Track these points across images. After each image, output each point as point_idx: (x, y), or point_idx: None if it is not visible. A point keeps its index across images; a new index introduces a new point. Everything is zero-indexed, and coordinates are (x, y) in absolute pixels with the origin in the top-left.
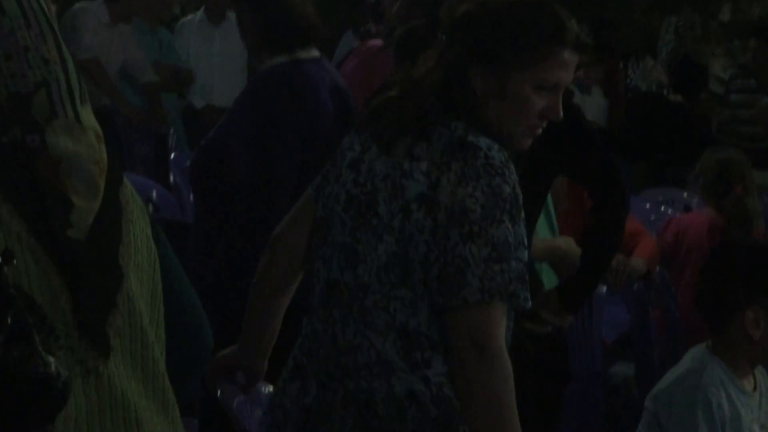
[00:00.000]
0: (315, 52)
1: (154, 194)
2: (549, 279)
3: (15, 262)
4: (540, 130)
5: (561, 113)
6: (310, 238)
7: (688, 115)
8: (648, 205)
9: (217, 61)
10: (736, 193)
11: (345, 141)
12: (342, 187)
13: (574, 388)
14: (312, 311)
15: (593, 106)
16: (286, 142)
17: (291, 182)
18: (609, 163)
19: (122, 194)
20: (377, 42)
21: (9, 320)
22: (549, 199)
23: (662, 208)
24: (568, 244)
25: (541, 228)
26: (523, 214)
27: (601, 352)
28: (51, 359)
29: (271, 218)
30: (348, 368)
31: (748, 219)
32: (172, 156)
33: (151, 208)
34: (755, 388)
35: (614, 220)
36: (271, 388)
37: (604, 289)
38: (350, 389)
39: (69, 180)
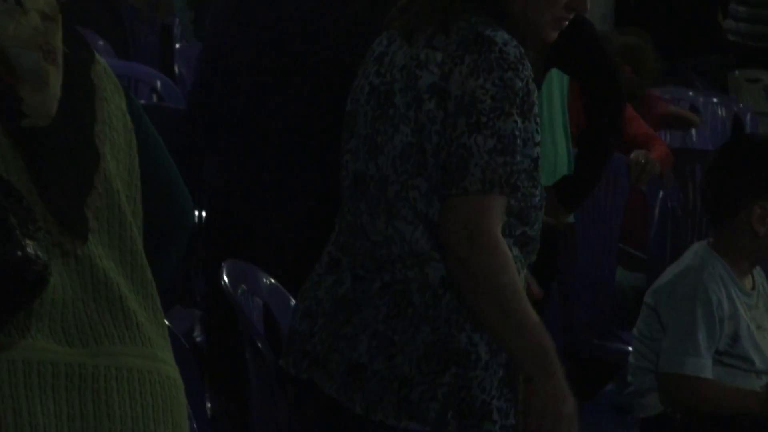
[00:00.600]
0: None
1: (159, 84)
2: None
3: None
4: (566, 23)
5: (587, 6)
6: None
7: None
8: None
9: None
10: (625, 72)
11: (376, 39)
12: (366, 79)
13: (585, 292)
14: (342, 206)
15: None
16: None
17: None
18: (603, 55)
19: (94, 73)
20: None
21: None
22: (565, 107)
23: None
24: None
25: (560, 138)
26: (535, 110)
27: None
28: (29, 242)
29: None
30: (383, 260)
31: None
32: (177, 46)
33: (155, 98)
34: (753, 287)
35: (611, 116)
36: (271, 280)
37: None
38: (387, 281)
39: (12, 68)
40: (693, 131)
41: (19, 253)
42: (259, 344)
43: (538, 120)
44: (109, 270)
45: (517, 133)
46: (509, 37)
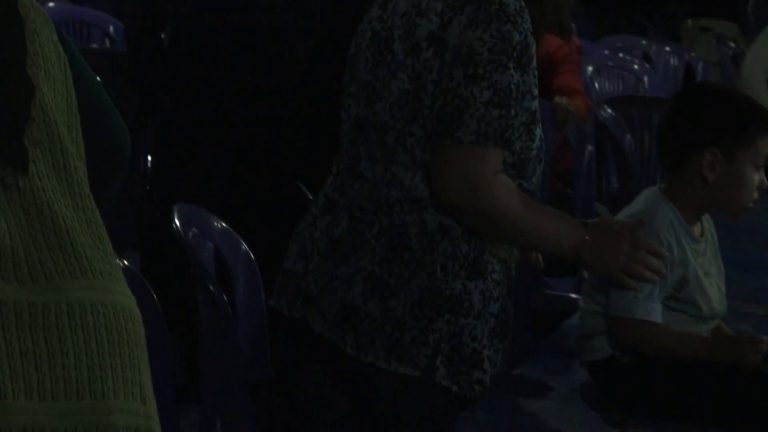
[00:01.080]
0: None
1: (111, 29)
2: None
3: None
4: None
5: None
6: None
7: None
8: (606, 52)
9: None
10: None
11: None
12: (369, 24)
13: None
14: (342, 149)
15: None
16: None
17: None
18: None
19: (21, 6)
20: None
21: None
22: None
23: (620, 55)
24: None
25: None
26: (534, 64)
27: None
28: None
29: None
30: (381, 203)
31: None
32: None
33: (108, 42)
34: (702, 234)
35: None
36: (223, 224)
37: None
38: (385, 224)
39: None
40: (645, 78)
41: None
42: (211, 287)
43: (536, 73)
44: (53, 202)
45: (513, 86)
46: None
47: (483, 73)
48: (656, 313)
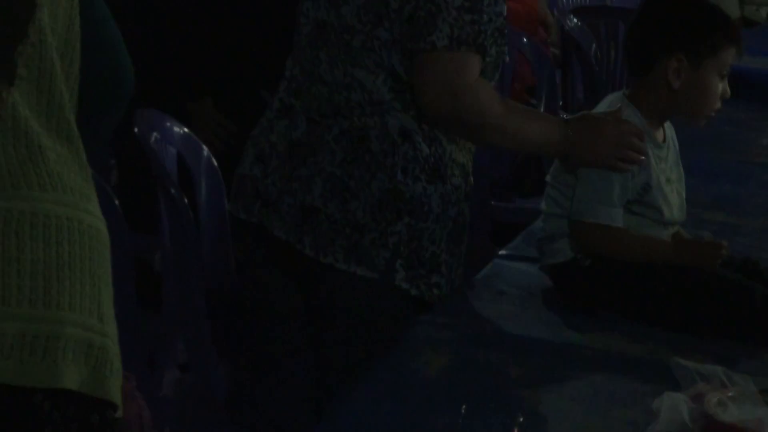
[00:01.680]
0: None
1: None
2: None
3: None
4: None
5: None
6: None
7: None
8: None
9: None
10: None
11: None
12: None
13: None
14: (296, 52)
15: None
16: None
17: None
18: None
19: None
20: None
21: None
22: None
23: None
24: None
25: None
26: None
27: None
28: None
29: None
30: (340, 106)
31: None
32: None
33: None
34: (664, 140)
35: None
36: (185, 129)
37: None
38: (345, 127)
39: None
40: None
41: None
42: (173, 191)
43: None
44: (30, 119)
45: None
46: None
47: None
48: (618, 218)
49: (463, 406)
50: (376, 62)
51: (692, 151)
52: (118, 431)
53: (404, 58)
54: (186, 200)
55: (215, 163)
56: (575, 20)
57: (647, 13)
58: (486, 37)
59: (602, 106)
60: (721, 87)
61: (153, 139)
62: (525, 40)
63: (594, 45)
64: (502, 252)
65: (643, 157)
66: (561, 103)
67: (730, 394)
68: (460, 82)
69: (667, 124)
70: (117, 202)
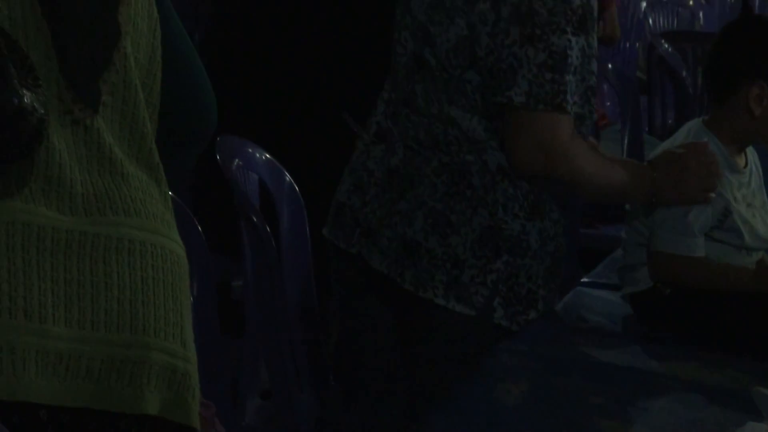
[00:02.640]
0: None
1: None
2: None
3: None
4: None
5: None
6: None
7: None
8: None
9: None
10: None
11: None
12: None
13: None
14: (393, 77)
15: None
16: None
17: None
18: None
19: None
20: None
21: None
22: None
23: None
24: None
25: None
26: (595, 27)
27: None
28: (26, 92)
29: None
30: (438, 140)
31: None
32: None
33: None
34: (746, 165)
35: None
36: (266, 155)
37: None
38: (444, 161)
39: None
40: (700, 14)
41: (16, 101)
42: (254, 219)
43: (596, 36)
44: (115, 146)
45: (570, 51)
46: None
47: (540, 35)
48: (699, 248)
49: None
50: (469, 103)
51: None
52: None
53: (493, 105)
54: (268, 228)
55: (297, 190)
56: (666, 45)
57: (730, 37)
58: (565, 98)
59: (681, 133)
60: None
61: (235, 165)
62: (609, 66)
63: (684, 70)
64: (584, 279)
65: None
66: (647, 129)
67: None
68: (555, 144)
69: (750, 149)
70: (199, 227)
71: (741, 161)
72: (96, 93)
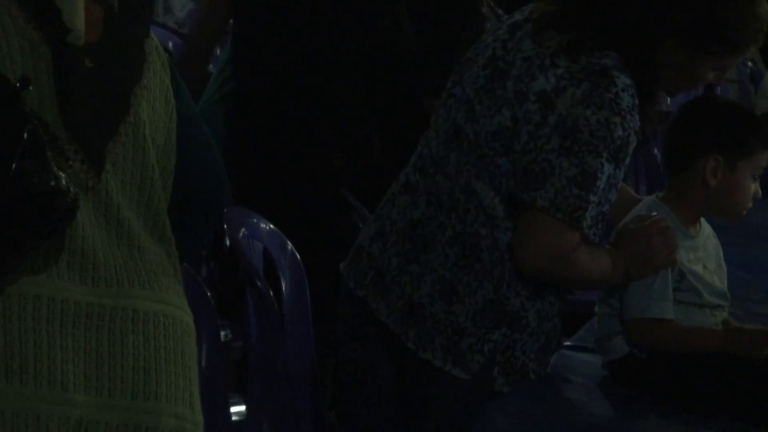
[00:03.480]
0: None
1: (170, 44)
2: None
3: (30, 87)
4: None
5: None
6: None
7: None
8: None
9: None
10: None
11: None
12: (492, 41)
13: None
14: (431, 139)
15: None
16: None
17: None
18: None
19: (147, 45)
20: None
21: (25, 136)
22: None
23: None
24: None
25: None
26: (627, 161)
27: None
28: (62, 174)
29: None
30: (458, 206)
31: None
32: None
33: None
34: (700, 229)
35: None
36: (270, 226)
37: None
38: (458, 230)
39: None
40: (667, 98)
41: (53, 183)
42: (259, 284)
43: (626, 169)
44: (132, 220)
45: (600, 175)
46: (631, 83)
47: (577, 150)
48: (669, 311)
49: None
50: (495, 184)
51: (743, 246)
52: None
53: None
54: (271, 293)
55: (298, 257)
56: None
57: (688, 114)
58: (583, 215)
59: (638, 208)
60: (753, 187)
61: (241, 234)
62: None
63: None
64: (567, 343)
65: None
66: None
67: None
68: (563, 251)
69: (704, 221)
70: (209, 293)
71: (694, 229)
72: (100, 160)
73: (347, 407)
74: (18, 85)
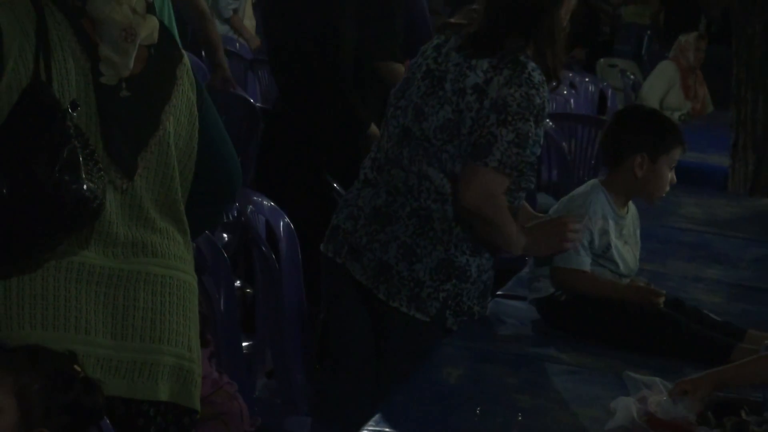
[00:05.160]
0: None
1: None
2: None
3: (79, 108)
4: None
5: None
6: None
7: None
8: None
9: None
10: None
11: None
12: (424, 59)
13: None
14: (383, 145)
15: None
16: None
17: None
18: None
19: (179, 69)
20: None
21: (65, 153)
22: None
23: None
24: None
25: None
26: (545, 122)
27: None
28: (91, 185)
29: None
30: (413, 189)
31: None
32: None
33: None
34: (627, 213)
35: None
36: (271, 203)
37: None
38: (415, 207)
39: (101, 36)
40: (571, 101)
41: (83, 192)
42: (263, 248)
43: (544, 127)
44: (151, 209)
45: (530, 135)
46: (536, 65)
47: (511, 120)
48: (585, 264)
49: (477, 408)
50: (443, 167)
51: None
52: (197, 428)
53: (462, 167)
54: (273, 254)
55: (292, 226)
56: (550, 122)
57: (619, 120)
58: (524, 165)
59: (581, 188)
60: (670, 176)
61: (249, 210)
62: None
63: (563, 142)
64: (499, 292)
65: (575, 242)
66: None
67: (664, 398)
68: (496, 193)
69: (630, 203)
70: (226, 255)
71: (623, 211)
72: (133, 167)
73: (332, 350)
74: (68, 108)
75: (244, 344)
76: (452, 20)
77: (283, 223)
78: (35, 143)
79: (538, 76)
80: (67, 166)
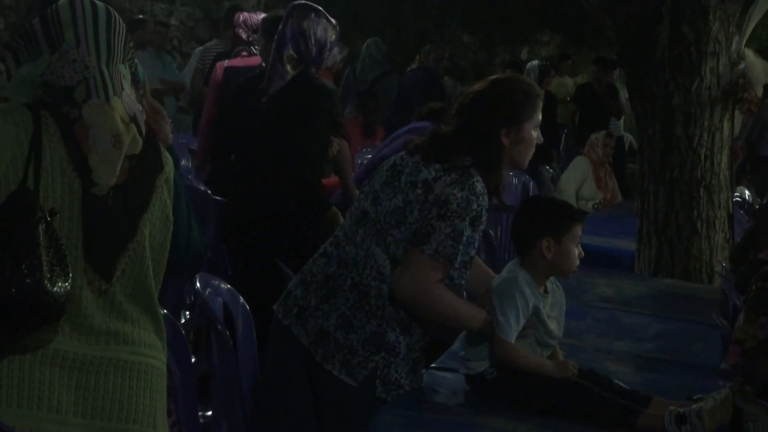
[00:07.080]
0: None
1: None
2: None
3: (58, 215)
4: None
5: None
6: None
7: None
8: None
9: None
10: None
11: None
12: (394, 158)
13: None
14: (344, 224)
15: None
16: None
17: None
18: None
19: (159, 179)
20: None
21: (31, 258)
22: None
23: None
24: None
25: None
26: (482, 228)
27: None
28: (54, 290)
29: None
30: (359, 265)
31: None
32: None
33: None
34: (546, 291)
35: None
36: (228, 286)
37: None
38: (356, 281)
39: (92, 142)
40: None
41: (42, 295)
42: (219, 327)
43: (480, 234)
44: (126, 303)
45: (465, 233)
46: (480, 178)
47: (450, 216)
48: (512, 337)
49: None
50: (387, 249)
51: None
52: None
53: (403, 252)
54: (228, 333)
55: (248, 308)
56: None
57: (525, 211)
58: (456, 258)
59: (505, 270)
60: (577, 251)
61: (207, 292)
62: None
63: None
64: (433, 365)
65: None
66: None
67: None
68: (429, 281)
69: (550, 280)
70: (183, 333)
71: (542, 289)
72: (112, 270)
73: (272, 407)
74: (46, 214)
75: (203, 414)
76: (418, 142)
77: (239, 305)
78: (6, 246)
79: (480, 187)
80: (31, 270)
